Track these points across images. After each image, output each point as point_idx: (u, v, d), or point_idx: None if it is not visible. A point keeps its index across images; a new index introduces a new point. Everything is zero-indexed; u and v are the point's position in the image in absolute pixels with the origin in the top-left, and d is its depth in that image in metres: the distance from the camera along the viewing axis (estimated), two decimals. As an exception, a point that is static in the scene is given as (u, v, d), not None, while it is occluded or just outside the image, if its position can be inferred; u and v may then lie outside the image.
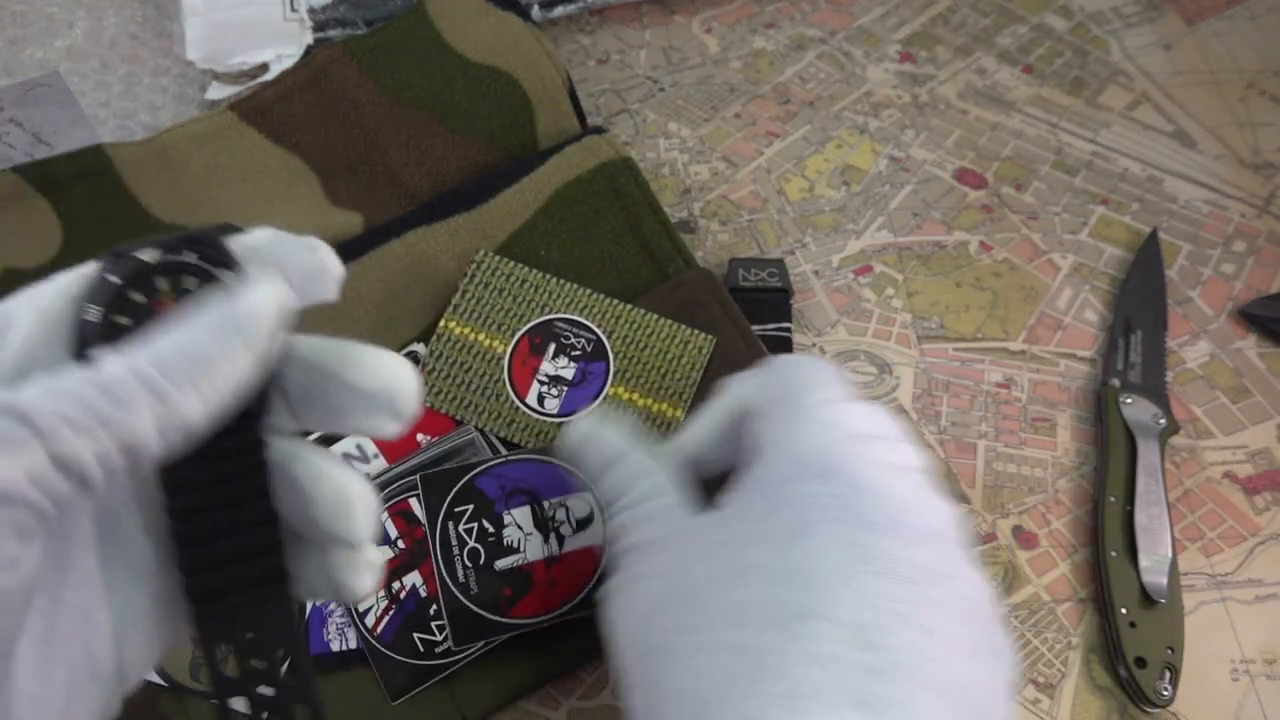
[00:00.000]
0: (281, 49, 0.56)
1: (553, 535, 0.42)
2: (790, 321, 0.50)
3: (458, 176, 0.52)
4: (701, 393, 0.45)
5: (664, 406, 0.45)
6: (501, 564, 0.41)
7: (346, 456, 0.44)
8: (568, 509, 0.42)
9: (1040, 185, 0.57)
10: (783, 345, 0.49)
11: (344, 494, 0.25)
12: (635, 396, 0.45)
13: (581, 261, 0.49)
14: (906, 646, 0.26)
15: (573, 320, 0.47)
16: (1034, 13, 0.65)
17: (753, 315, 0.48)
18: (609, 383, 0.46)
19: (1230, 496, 0.47)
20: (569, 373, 0.46)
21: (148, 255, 0.23)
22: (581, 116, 0.54)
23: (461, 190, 0.50)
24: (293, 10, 0.57)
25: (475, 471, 0.42)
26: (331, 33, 0.57)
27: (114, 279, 0.23)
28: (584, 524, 0.42)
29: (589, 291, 0.48)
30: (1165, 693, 0.41)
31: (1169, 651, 0.42)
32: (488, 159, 0.52)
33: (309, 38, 0.57)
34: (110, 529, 0.25)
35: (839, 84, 0.61)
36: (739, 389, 0.34)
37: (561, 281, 0.48)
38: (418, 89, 0.53)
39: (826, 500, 0.28)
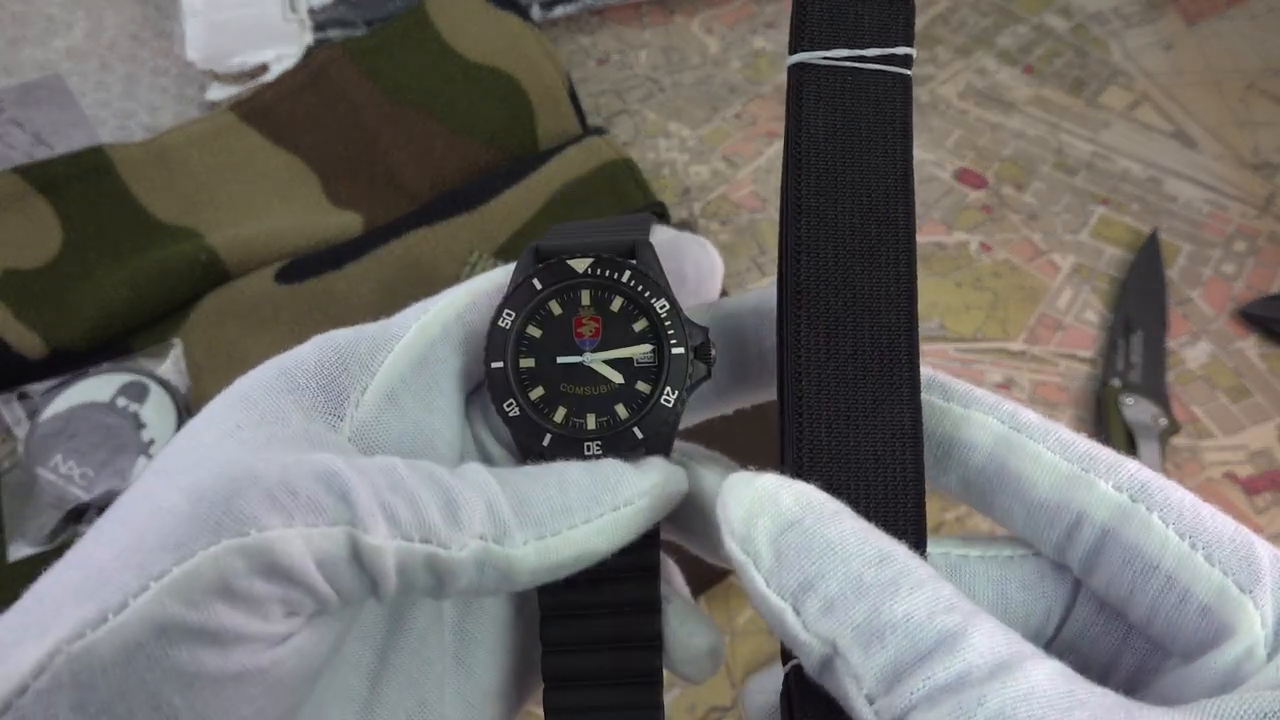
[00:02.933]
0: (281, 49, 0.56)
1: None
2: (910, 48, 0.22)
3: (458, 177, 0.52)
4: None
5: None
6: None
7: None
8: None
9: (1040, 185, 0.57)
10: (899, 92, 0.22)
11: (707, 648, 0.23)
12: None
13: (581, 262, 0.49)
14: None
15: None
16: (1034, 13, 0.65)
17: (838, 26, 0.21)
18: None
19: (1231, 496, 0.47)
20: None
21: (579, 264, 0.21)
22: (582, 116, 0.54)
23: (462, 191, 0.50)
24: (293, 11, 0.57)
25: None
26: (331, 33, 0.57)
27: (537, 284, 0.21)
28: None
29: None
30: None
31: (1170, 652, 0.42)
32: (488, 159, 0.52)
33: (309, 38, 0.57)
34: (467, 628, 0.22)
35: (839, 84, 0.61)
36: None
37: None
38: (418, 89, 0.53)
39: None
